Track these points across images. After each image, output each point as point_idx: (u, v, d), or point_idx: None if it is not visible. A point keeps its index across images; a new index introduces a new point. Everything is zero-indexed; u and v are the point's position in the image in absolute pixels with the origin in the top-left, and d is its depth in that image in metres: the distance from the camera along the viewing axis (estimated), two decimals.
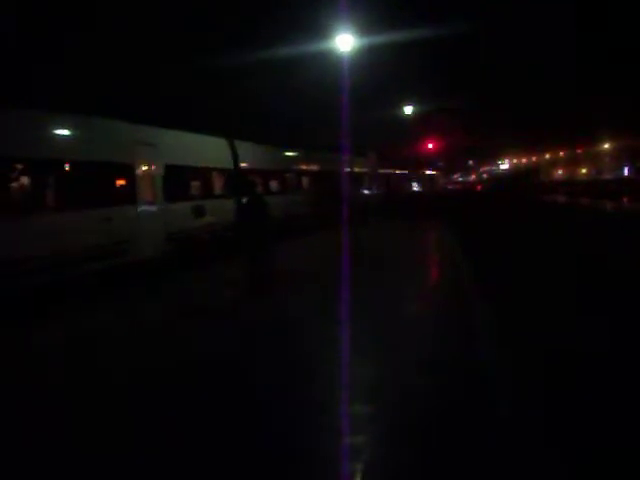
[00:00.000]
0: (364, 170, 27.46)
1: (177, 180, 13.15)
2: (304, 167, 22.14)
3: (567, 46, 57.58)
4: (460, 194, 59.97)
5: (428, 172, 53.06)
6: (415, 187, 49.09)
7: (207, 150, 15.15)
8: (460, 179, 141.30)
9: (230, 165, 15.01)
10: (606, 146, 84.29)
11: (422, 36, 29.21)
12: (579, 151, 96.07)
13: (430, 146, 45.95)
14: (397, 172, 41.72)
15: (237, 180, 14.58)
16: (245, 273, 9.60)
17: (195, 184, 14.34)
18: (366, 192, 28.60)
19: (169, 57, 21.90)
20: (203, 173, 14.68)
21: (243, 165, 15.65)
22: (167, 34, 21.70)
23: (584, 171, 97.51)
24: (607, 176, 77.24)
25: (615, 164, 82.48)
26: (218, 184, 15.24)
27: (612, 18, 48.29)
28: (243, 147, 16.07)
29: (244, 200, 9.66)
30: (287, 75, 26.05)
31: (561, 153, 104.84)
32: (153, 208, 12.02)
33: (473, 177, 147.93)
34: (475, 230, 18.50)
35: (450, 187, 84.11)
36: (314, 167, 22.98)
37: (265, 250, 9.35)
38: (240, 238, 9.59)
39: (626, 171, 77.60)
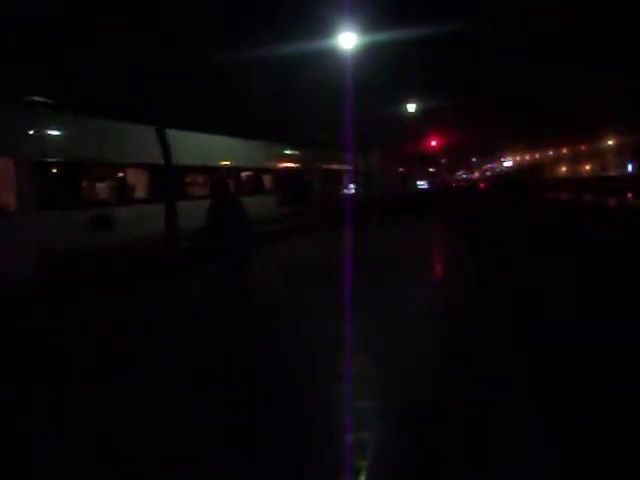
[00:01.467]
0: (351, 167, 25.72)
1: (62, 181, 9.82)
2: (269, 163, 18.23)
3: (569, 43, 57.53)
4: (463, 192, 59.97)
5: (430, 170, 52.72)
6: (420, 185, 48.97)
7: (118, 141, 11.46)
8: (464, 176, 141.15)
9: (158, 160, 12.02)
10: (610, 143, 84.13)
11: (425, 34, 29.27)
12: (582, 148, 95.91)
13: (433, 143, 46.02)
14: (400, 170, 41.43)
15: (170, 179, 12.06)
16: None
17: (99, 186, 10.81)
18: (353, 192, 25.46)
19: (168, 53, 22.06)
20: (112, 171, 11.06)
21: (181, 160, 12.69)
22: (166, 30, 21.85)
23: (588, 168, 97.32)
24: (611, 173, 77.10)
25: (619, 161, 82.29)
26: (140, 185, 11.79)
27: (612, 14, 48.20)
28: (183, 138, 13.16)
29: (212, 201, 7.90)
30: (290, 73, 26.17)
31: (564, 150, 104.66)
32: (14, 219, 8.73)
33: (477, 174, 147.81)
34: (479, 232, 18.45)
35: (454, 185, 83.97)
36: (282, 163, 19.29)
37: (241, 265, 7.76)
38: (201, 247, 7.83)
39: (630, 168, 77.40)
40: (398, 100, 32.81)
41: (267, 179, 17.61)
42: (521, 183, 66.14)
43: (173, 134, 12.71)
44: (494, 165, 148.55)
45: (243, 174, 16.14)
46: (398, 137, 38.32)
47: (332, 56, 19.72)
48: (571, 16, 49.80)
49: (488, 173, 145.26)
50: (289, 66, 25.33)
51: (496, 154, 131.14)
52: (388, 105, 32.79)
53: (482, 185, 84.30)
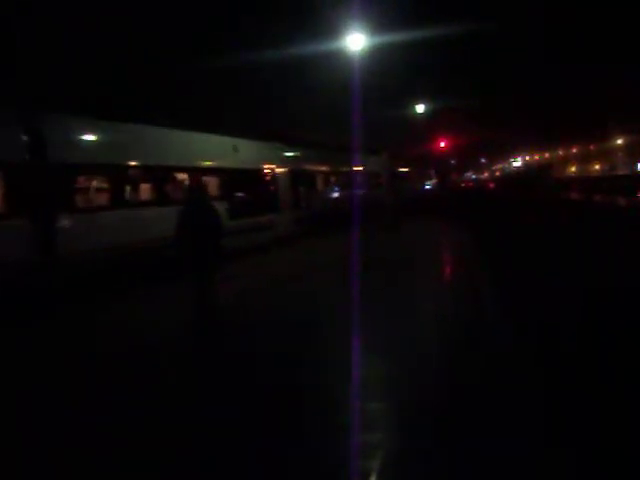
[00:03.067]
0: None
1: None
2: (219, 162, 13.95)
3: (579, 43, 57.47)
4: (472, 193, 59.86)
5: (433, 171, 51.85)
6: (427, 186, 48.82)
7: None
8: (473, 177, 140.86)
9: (20, 156, 8.56)
10: (619, 142, 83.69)
11: (434, 35, 29.41)
12: (592, 147, 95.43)
13: (442, 144, 46.03)
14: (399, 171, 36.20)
15: (46, 184, 8.80)
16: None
17: None
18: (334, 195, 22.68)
19: (179, 55, 22.40)
20: None
21: (72, 158, 9.39)
22: (178, 33, 22.18)
23: (597, 167, 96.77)
24: (621, 172, 76.58)
25: (629, 160, 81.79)
26: None
27: (623, 14, 48.13)
28: (78, 127, 9.85)
29: (185, 206, 7.03)
30: (298, 74, 26.40)
31: (574, 149, 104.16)
32: None
33: (486, 175, 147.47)
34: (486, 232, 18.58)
35: (463, 185, 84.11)
36: (242, 163, 14.93)
37: (211, 281, 6.97)
38: (181, 257, 6.96)
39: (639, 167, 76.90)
40: (407, 101, 32.99)
41: (215, 182, 13.37)
42: (529, 183, 65.94)
43: (59, 122, 9.41)
44: (503, 165, 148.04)
45: (174, 175, 12.24)
46: (407, 138, 38.45)
47: (339, 57, 19.90)
48: (581, 16, 49.72)
49: (497, 174, 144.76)
50: (296, 66, 25.55)
51: (505, 154, 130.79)
52: (397, 106, 32.97)
53: (491, 185, 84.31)
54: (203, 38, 23.13)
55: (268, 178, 16.55)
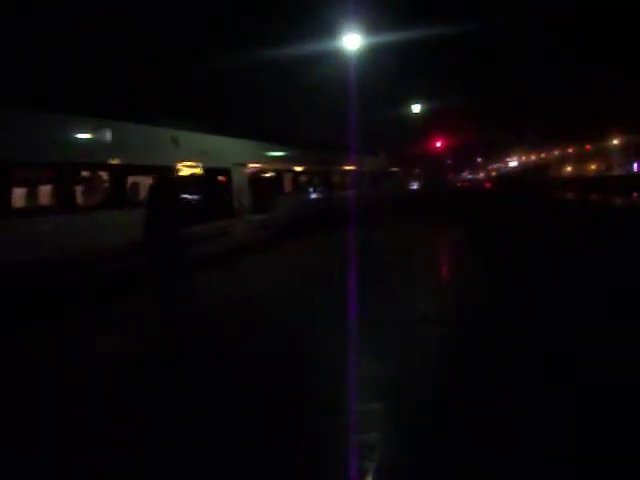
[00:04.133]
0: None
1: None
2: (134, 158, 10.70)
3: (576, 44, 57.60)
4: (469, 192, 59.90)
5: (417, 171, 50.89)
6: (412, 185, 48.16)
7: None
8: (469, 177, 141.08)
9: None
10: (615, 142, 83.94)
11: (432, 34, 29.43)
12: (588, 147, 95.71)
13: (438, 144, 46.05)
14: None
15: None
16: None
17: None
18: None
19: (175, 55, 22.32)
20: None
21: None
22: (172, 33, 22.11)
23: (593, 167, 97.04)
24: (617, 172, 76.81)
25: (624, 160, 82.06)
26: None
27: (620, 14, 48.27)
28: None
29: (149, 209, 6.28)
30: (295, 73, 26.36)
31: (570, 150, 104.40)
32: None
33: (482, 175, 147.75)
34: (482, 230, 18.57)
35: (459, 184, 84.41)
36: (164, 159, 11.59)
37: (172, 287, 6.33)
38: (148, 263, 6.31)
39: (635, 167, 77.16)
40: (404, 101, 32.99)
41: (144, 182, 10.22)
42: (526, 183, 66.12)
43: None
44: (499, 165, 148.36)
45: (85, 175, 9.70)
46: (402, 138, 38.46)
47: (336, 57, 19.88)
48: (574, 16, 49.88)
49: (493, 173, 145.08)
50: (294, 66, 25.51)
51: (501, 154, 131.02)
52: (393, 106, 32.97)
53: (488, 185, 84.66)
54: (202, 38, 22.98)
55: (221, 178, 13.88)
